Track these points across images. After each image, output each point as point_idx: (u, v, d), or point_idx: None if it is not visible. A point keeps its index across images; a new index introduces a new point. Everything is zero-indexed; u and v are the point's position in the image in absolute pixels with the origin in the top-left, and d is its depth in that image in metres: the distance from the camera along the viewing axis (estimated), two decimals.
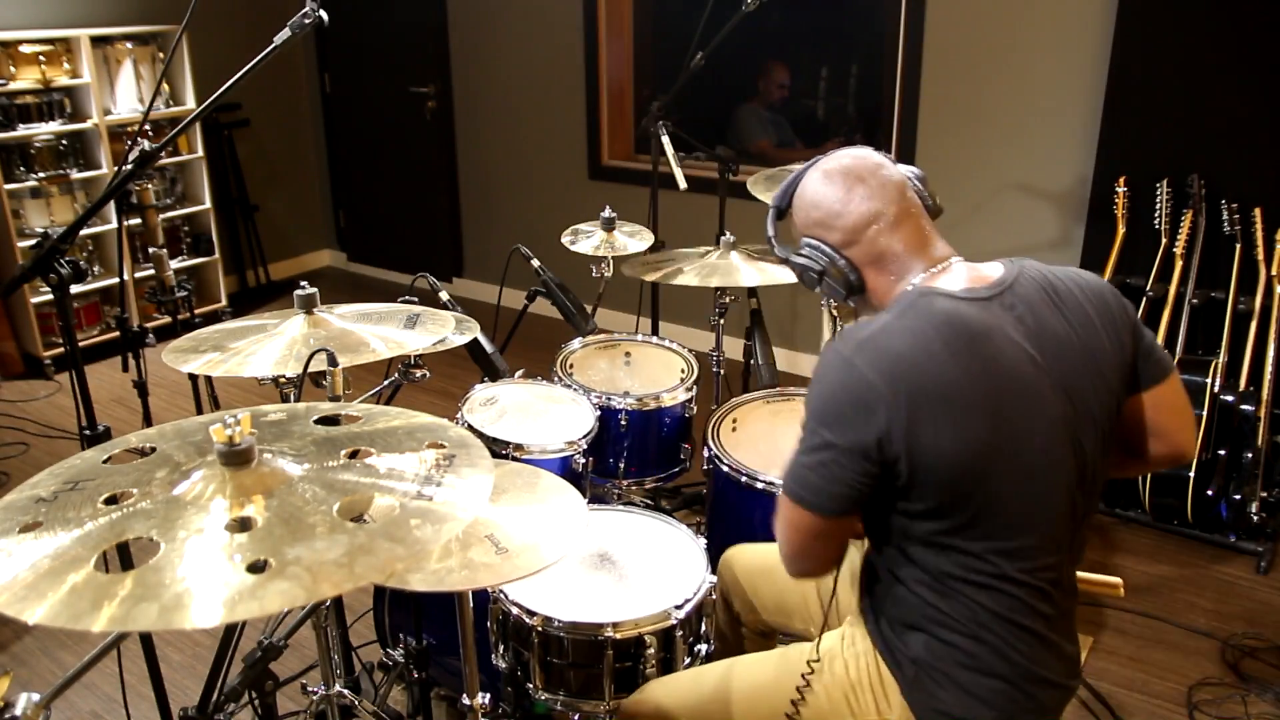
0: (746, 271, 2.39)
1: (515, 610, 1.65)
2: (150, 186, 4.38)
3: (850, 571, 1.61)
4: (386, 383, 1.97)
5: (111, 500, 1.00)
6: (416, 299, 1.94)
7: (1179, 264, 3.13)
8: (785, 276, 2.36)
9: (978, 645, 1.29)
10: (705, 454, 2.17)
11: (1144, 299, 3.18)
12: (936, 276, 1.32)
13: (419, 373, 1.94)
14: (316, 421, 1.18)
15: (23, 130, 4.19)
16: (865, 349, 1.22)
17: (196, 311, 2.64)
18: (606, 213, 2.59)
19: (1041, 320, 1.28)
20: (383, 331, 1.62)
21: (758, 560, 1.80)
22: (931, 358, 1.20)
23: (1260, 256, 2.97)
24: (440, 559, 1.36)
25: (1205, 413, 2.94)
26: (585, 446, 2.13)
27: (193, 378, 2.57)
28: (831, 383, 1.23)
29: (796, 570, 1.38)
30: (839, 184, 1.35)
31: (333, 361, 1.46)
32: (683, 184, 2.82)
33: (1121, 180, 3.20)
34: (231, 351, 1.55)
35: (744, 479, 2.04)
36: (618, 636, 1.60)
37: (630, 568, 1.79)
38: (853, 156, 1.37)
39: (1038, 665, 1.32)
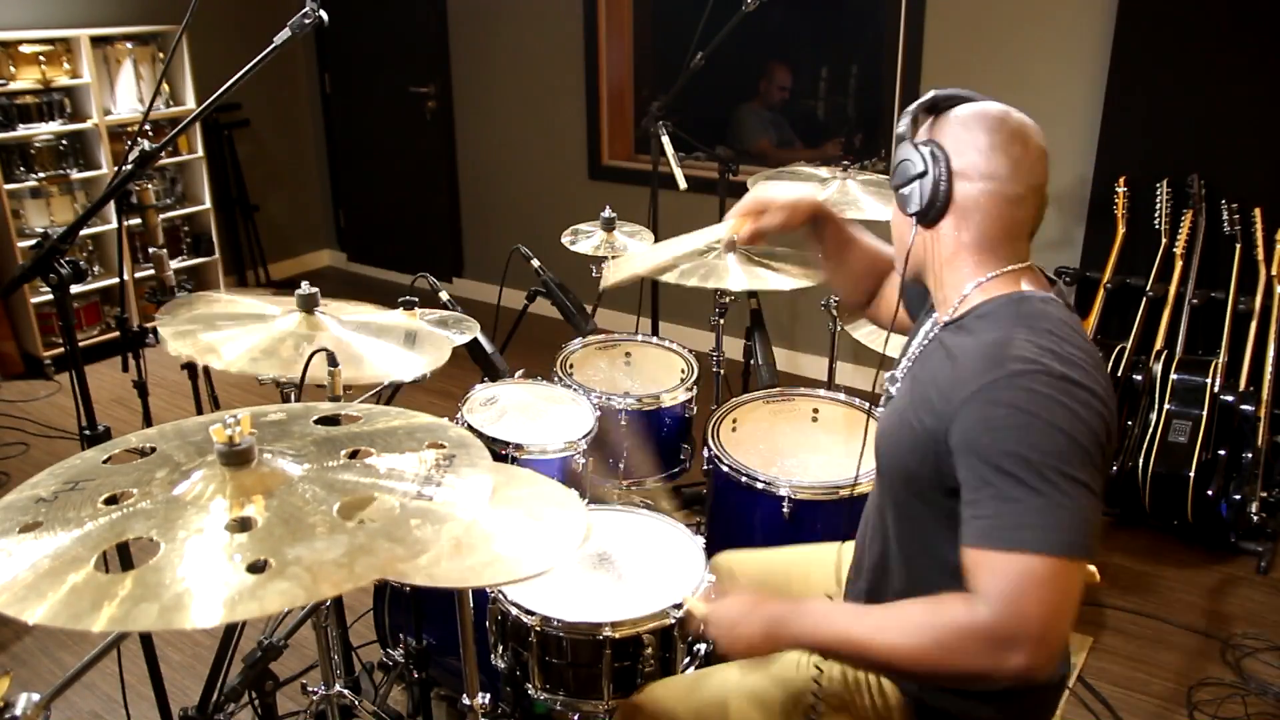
0: (739, 274, 2.38)
1: (514, 610, 1.65)
2: (150, 186, 4.38)
3: (837, 579, 1.61)
4: (386, 383, 1.97)
5: (111, 500, 1.00)
6: (417, 299, 1.94)
7: (1179, 264, 3.13)
8: (781, 283, 2.35)
9: None
10: (705, 454, 2.17)
11: (1144, 299, 3.18)
12: (1026, 278, 1.28)
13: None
14: (316, 421, 1.18)
15: (23, 130, 4.19)
16: (1071, 362, 1.14)
17: None
18: (606, 213, 2.59)
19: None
20: (380, 347, 1.63)
21: (754, 566, 1.79)
22: (1101, 362, 1.20)
23: (1260, 256, 2.97)
24: (469, 555, 1.36)
25: (1205, 413, 2.94)
26: (585, 446, 2.13)
27: (192, 377, 2.57)
28: (1069, 408, 1.11)
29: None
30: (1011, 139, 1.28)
31: (333, 362, 1.46)
32: (683, 184, 2.82)
33: (1121, 180, 3.20)
34: (222, 331, 1.55)
35: (744, 479, 2.04)
36: (616, 636, 1.60)
37: (629, 568, 1.79)
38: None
39: None
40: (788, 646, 1.27)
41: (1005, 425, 1.11)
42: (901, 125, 1.31)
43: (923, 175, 1.27)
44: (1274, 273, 2.96)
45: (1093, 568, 1.61)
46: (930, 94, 1.33)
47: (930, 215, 1.28)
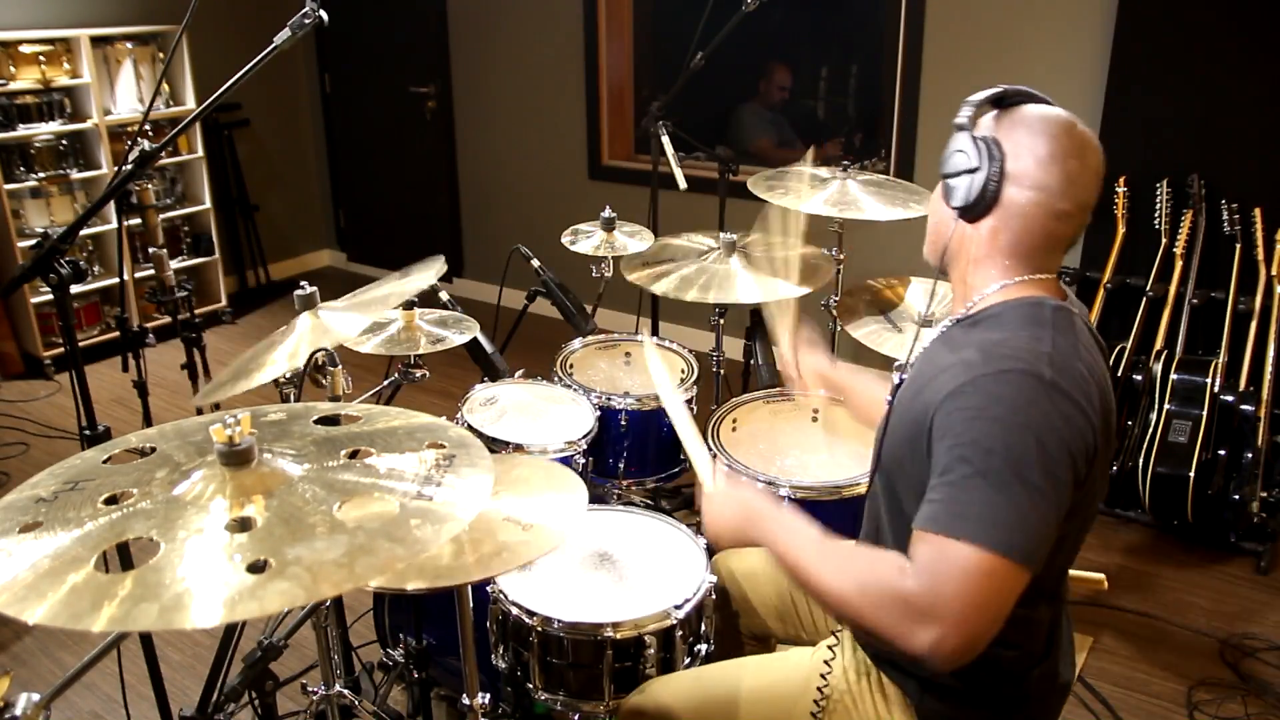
0: (745, 279, 2.37)
1: (515, 610, 1.65)
2: (150, 186, 4.38)
3: None
4: (386, 383, 1.97)
5: (111, 500, 1.00)
6: (416, 300, 1.94)
7: (1179, 264, 3.13)
8: (784, 289, 2.35)
9: (1003, 656, 1.28)
10: None
11: (1144, 299, 3.18)
12: (1048, 288, 1.28)
13: (419, 373, 1.94)
14: (316, 421, 1.18)
15: (23, 130, 4.19)
16: (1065, 372, 1.14)
17: (196, 311, 2.64)
18: (606, 213, 2.58)
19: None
20: (384, 291, 1.64)
21: (753, 564, 1.79)
22: (1104, 382, 1.20)
23: (1260, 256, 2.97)
24: (473, 550, 1.36)
25: (1205, 413, 2.94)
26: (585, 446, 2.13)
27: (192, 377, 2.57)
28: (1048, 414, 1.11)
29: (977, 648, 1.07)
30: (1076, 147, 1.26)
31: (333, 361, 1.46)
32: (683, 184, 2.82)
33: (1121, 180, 3.20)
34: (255, 366, 1.56)
35: (744, 479, 2.03)
36: (617, 637, 1.60)
37: (630, 568, 1.79)
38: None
39: (1051, 668, 1.32)
40: (754, 541, 1.34)
41: (979, 416, 1.12)
42: (962, 115, 1.28)
43: (974, 171, 1.24)
44: (1274, 273, 2.96)
45: (1101, 576, 1.61)
46: (1000, 87, 1.30)
47: (974, 212, 1.26)
